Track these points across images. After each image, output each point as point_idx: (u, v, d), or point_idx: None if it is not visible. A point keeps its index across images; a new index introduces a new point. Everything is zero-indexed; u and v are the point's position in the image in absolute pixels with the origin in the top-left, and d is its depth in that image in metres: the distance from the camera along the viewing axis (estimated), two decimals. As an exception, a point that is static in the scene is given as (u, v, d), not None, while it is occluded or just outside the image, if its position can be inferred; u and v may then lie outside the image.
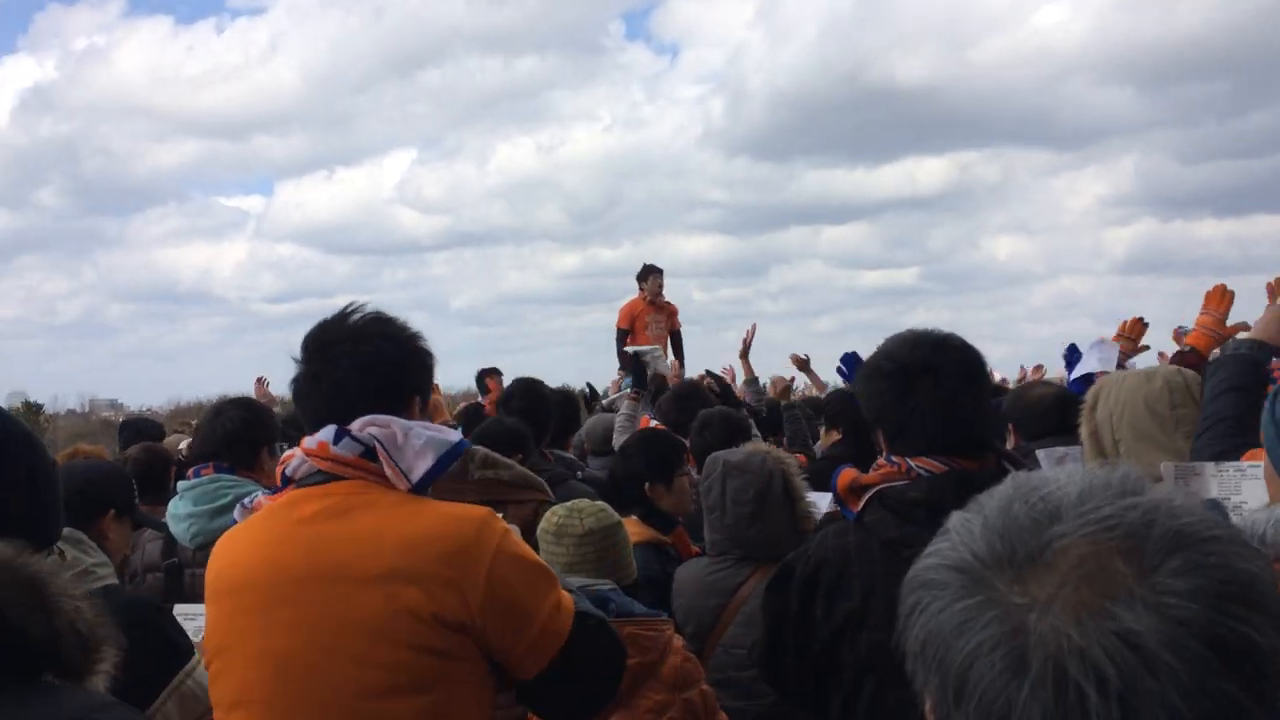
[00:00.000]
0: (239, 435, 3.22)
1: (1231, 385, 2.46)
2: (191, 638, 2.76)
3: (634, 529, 3.35)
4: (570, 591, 1.94)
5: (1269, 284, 3.93)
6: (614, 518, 2.71)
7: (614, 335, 9.35)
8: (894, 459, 2.09)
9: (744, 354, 7.35)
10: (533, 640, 1.83)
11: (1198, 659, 0.67)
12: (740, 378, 7.44)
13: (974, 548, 0.76)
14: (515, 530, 1.90)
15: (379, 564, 1.77)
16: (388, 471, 1.84)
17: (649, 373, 7.16)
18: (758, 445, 3.41)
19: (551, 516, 2.68)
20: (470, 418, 5.94)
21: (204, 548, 3.01)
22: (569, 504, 2.73)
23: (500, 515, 1.91)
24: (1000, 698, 0.70)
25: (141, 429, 6.78)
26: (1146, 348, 4.69)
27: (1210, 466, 2.23)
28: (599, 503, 2.82)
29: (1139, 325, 4.63)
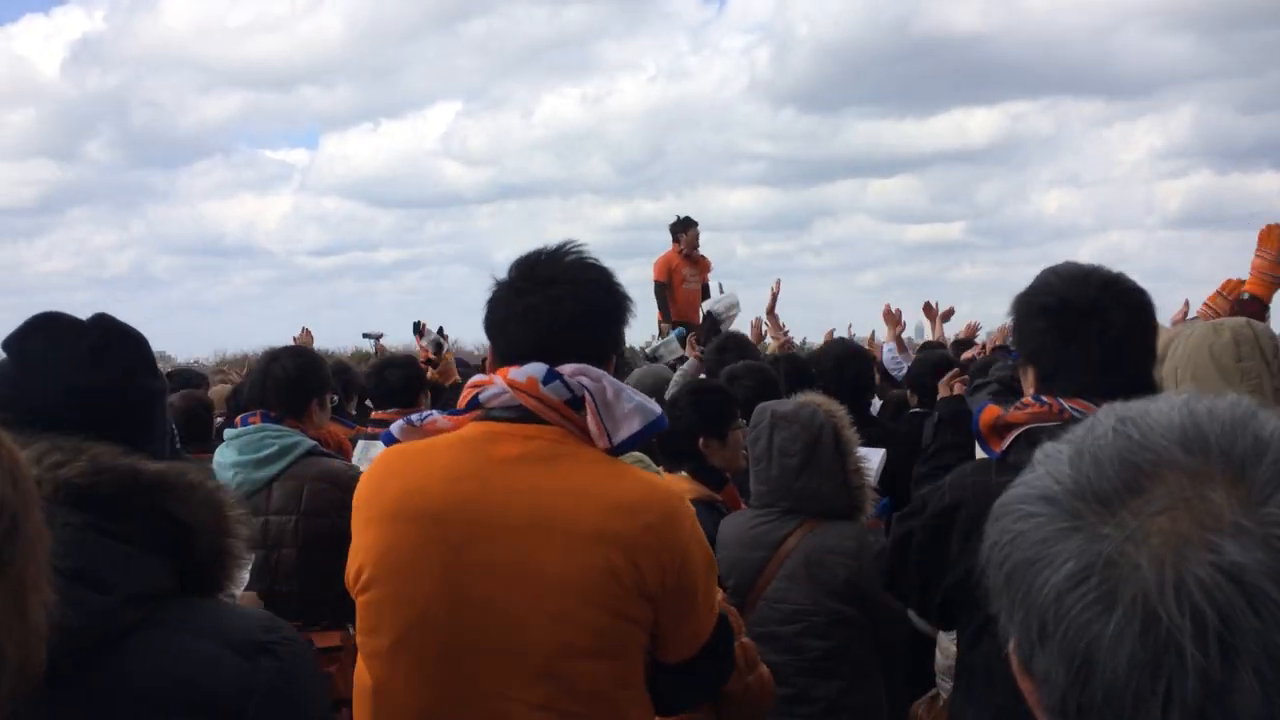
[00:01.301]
0: (293, 383, 3.21)
1: None
2: (235, 587, 2.78)
3: (684, 485, 3.30)
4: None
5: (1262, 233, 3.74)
6: (652, 467, 2.67)
7: (652, 289, 9.26)
8: (1044, 399, 1.97)
9: (771, 309, 7.28)
10: (691, 630, 1.82)
11: None
12: (767, 335, 7.36)
13: (1061, 477, 0.71)
14: None
15: (589, 522, 1.71)
16: (592, 427, 1.77)
17: (722, 328, 7.09)
18: (810, 396, 3.33)
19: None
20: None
21: (249, 496, 3.03)
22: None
23: None
24: (1087, 634, 0.65)
25: (187, 379, 6.84)
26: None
27: None
28: (636, 453, 2.77)
29: (1239, 286, 4.36)
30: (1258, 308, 3.66)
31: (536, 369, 1.77)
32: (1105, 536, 0.66)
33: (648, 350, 7.42)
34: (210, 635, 1.32)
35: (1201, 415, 0.70)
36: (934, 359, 5.49)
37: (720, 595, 2.61)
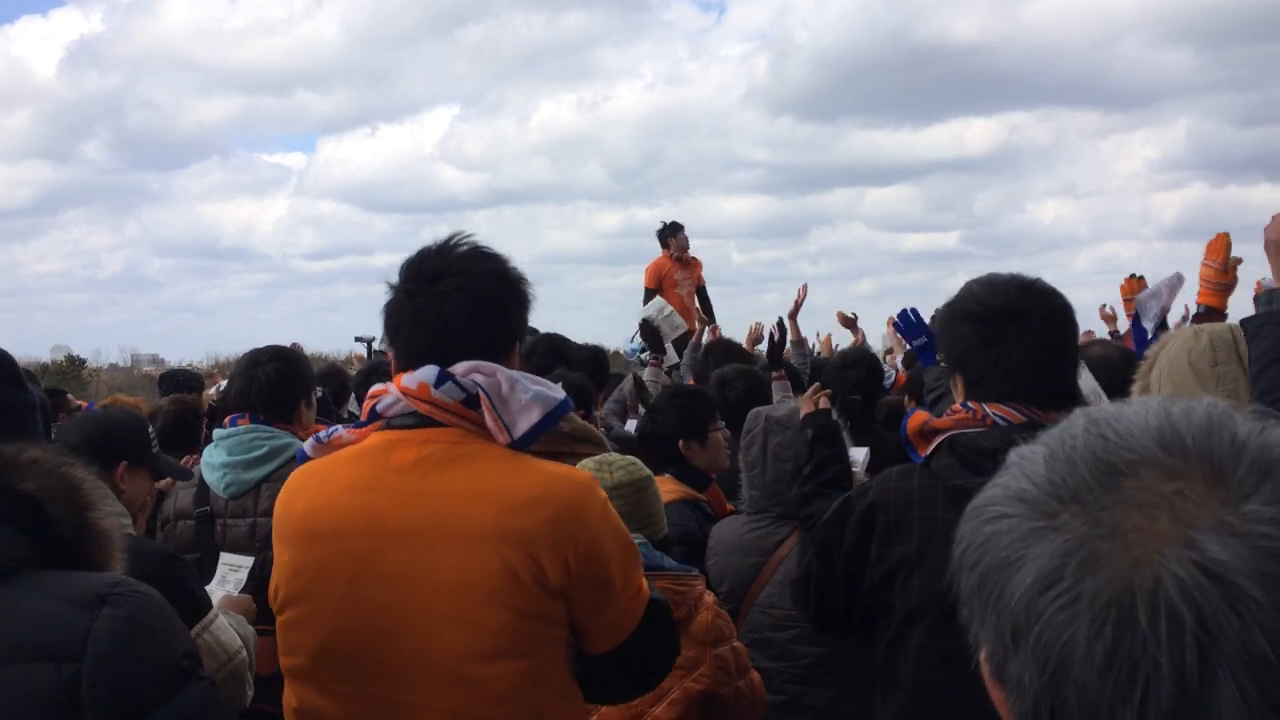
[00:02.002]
0: (276, 387, 3.17)
1: (1277, 356, 2.25)
2: (232, 590, 2.75)
3: (668, 487, 3.29)
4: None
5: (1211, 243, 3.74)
6: (644, 471, 2.65)
7: (642, 296, 9.27)
8: (970, 405, 2.00)
9: (793, 314, 7.21)
10: (612, 619, 1.79)
11: None
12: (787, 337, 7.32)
13: (1035, 477, 0.69)
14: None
15: (484, 523, 1.69)
16: (489, 423, 1.75)
17: (663, 333, 7.03)
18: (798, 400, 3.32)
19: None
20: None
21: (237, 498, 3.01)
22: (598, 457, 2.68)
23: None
24: (1061, 636, 0.62)
25: (181, 381, 6.83)
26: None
27: None
28: (629, 456, 2.76)
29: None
30: (1216, 319, 3.66)
31: (428, 373, 1.75)
32: (1080, 535, 0.64)
33: (637, 355, 7.35)
34: (53, 593, 1.45)
35: (1178, 417, 0.68)
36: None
37: (712, 598, 2.61)
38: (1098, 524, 0.64)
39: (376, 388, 1.85)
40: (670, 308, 7.50)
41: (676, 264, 9.23)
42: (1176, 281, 4.26)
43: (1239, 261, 3.71)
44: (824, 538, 2.20)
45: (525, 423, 1.76)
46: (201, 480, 3.08)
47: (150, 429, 2.85)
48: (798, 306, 7.15)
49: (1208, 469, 0.64)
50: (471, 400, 1.75)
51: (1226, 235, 3.68)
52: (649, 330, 6.92)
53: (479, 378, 1.75)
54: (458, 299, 1.79)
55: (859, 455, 3.31)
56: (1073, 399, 2.00)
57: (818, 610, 2.25)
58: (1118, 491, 0.65)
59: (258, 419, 3.12)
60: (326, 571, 1.77)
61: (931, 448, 2.04)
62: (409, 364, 1.81)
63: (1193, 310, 3.84)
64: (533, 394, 1.77)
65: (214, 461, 3.06)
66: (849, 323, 7.61)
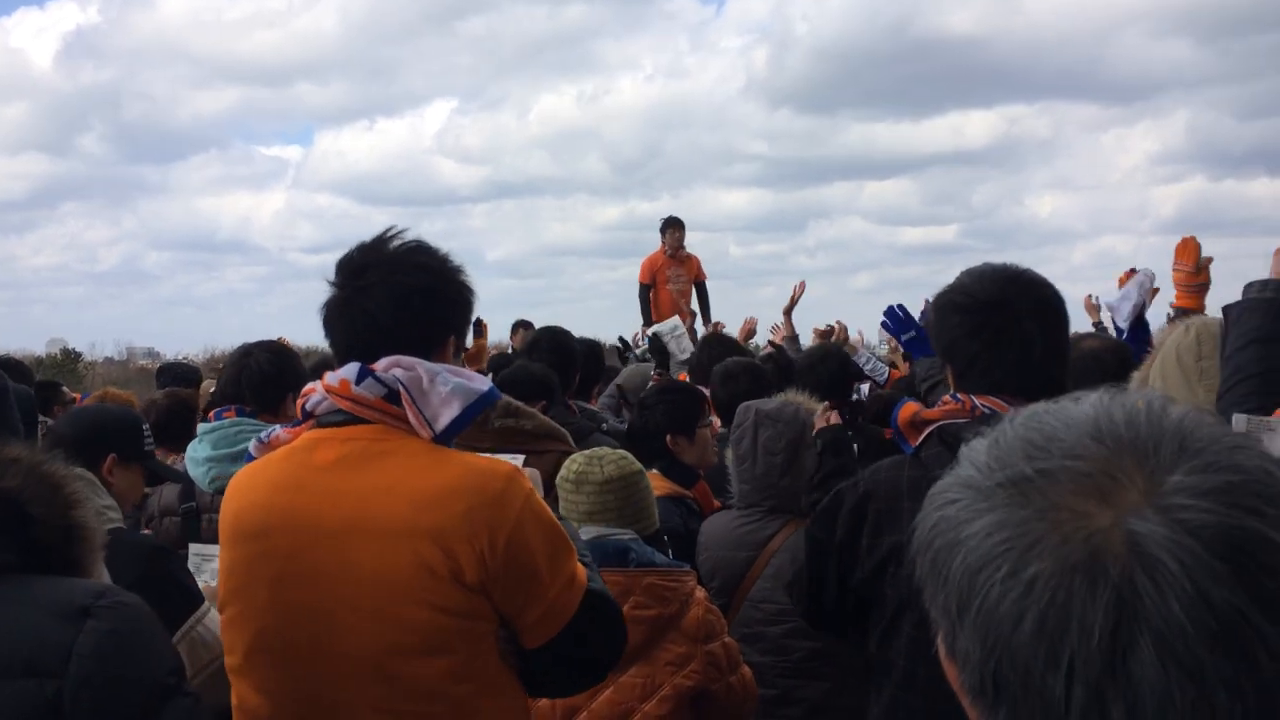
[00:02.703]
0: (267, 379, 3.16)
1: (1255, 337, 2.28)
2: (209, 579, 2.73)
3: (656, 482, 3.26)
4: (584, 563, 1.86)
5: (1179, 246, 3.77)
6: (635, 466, 2.63)
7: (637, 290, 9.28)
8: (959, 396, 2.01)
9: (789, 310, 7.20)
10: (543, 611, 1.76)
11: (1202, 564, 0.63)
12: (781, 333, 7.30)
13: (979, 464, 0.74)
14: (539, 489, 1.81)
15: (399, 518, 1.69)
16: (410, 418, 1.75)
17: (671, 352, 7.02)
18: (792, 395, 3.31)
19: (571, 464, 2.60)
20: (499, 368, 5.88)
21: (222, 493, 2.96)
22: (589, 451, 2.65)
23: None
24: (999, 609, 0.68)
25: (179, 374, 6.79)
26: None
27: None
28: (620, 450, 2.73)
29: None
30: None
31: (349, 370, 1.76)
32: (1015, 515, 0.69)
33: (637, 351, 7.33)
34: (35, 605, 1.42)
35: (1113, 408, 0.73)
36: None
37: (703, 594, 2.58)
38: (1032, 505, 0.69)
39: (308, 386, 1.86)
40: (682, 328, 7.49)
41: (670, 260, 9.23)
42: (1148, 280, 4.27)
43: (1209, 260, 3.73)
44: (817, 533, 2.19)
45: (447, 415, 1.75)
46: (187, 476, 3.05)
47: (145, 426, 2.83)
48: (794, 302, 7.14)
49: (1135, 452, 0.69)
50: (393, 395, 1.75)
51: (1193, 239, 3.73)
52: (658, 345, 6.91)
53: (399, 372, 1.75)
54: (380, 292, 1.79)
55: None
56: (1061, 390, 1.98)
57: (813, 607, 2.24)
58: (1050, 474, 0.70)
59: (244, 411, 3.10)
60: (253, 571, 1.79)
61: (921, 438, 2.04)
62: (339, 361, 1.82)
63: (1170, 314, 3.85)
64: (452, 386, 1.76)
65: (198, 456, 3.03)
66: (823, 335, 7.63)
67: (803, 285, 7.20)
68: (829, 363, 4.76)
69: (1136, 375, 2.76)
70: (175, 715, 1.48)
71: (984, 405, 1.96)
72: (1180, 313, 3.64)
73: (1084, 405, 0.75)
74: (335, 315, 1.85)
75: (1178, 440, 0.70)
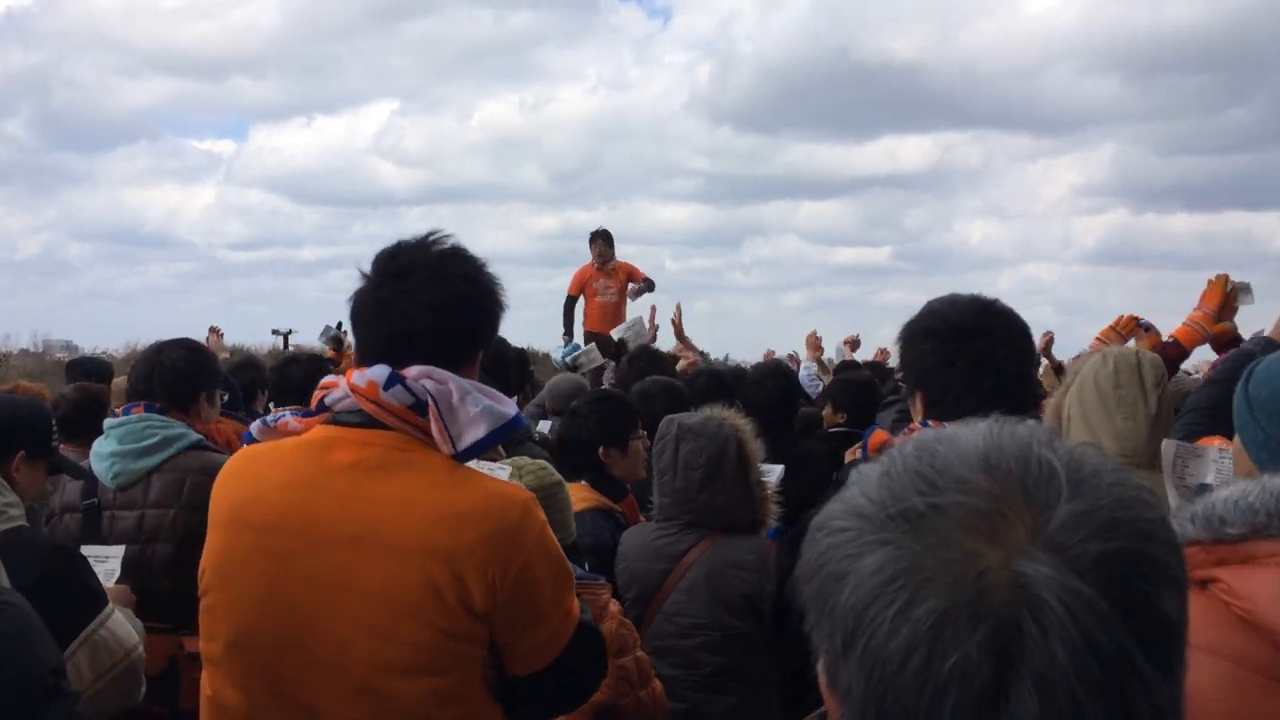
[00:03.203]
0: (181, 376, 3.09)
1: (1216, 378, 2.40)
2: (103, 580, 2.65)
3: (584, 494, 3.25)
4: (577, 596, 1.85)
5: (1211, 280, 3.87)
6: (555, 476, 2.61)
7: (564, 300, 9.37)
8: (929, 424, 2.01)
9: (679, 333, 7.28)
10: (538, 643, 1.74)
11: (1087, 607, 0.64)
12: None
13: (870, 493, 0.74)
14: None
15: (414, 534, 1.63)
16: (434, 432, 1.69)
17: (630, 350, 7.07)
18: (717, 409, 3.31)
19: (489, 472, 2.57)
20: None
21: (125, 489, 2.90)
22: (508, 460, 2.62)
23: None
24: (886, 646, 0.67)
25: (90, 369, 6.59)
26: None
27: (1212, 451, 2.16)
28: (539, 460, 2.71)
29: (1133, 323, 4.40)
30: (1176, 353, 3.74)
31: (379, 372, 1.70)
32: (906, 550, 0.69)
33: (568, 359, 7.35)
34: None
35: (1003, 440, 0.74)
36: (859, 379, 5.54)
37: (617, 607, 2.57)
38: (921, 540, 0.69)
39: (328, 379, 1.80)
40: (638, 326, 7.54)
41: (599, 272, 9.29)
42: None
43: (1230, 329, 3.74)
44: (787, 558, 2.19)
45: (471, 436, 1.71)
46: (90, 472, 2.96)
47: (52, 421, 2.75)
48: (678, 327, 7.19)
49: (1022, 489, 0.70)
50: (419, 406, 1.70)
51: (1224, 282, 3.72)
52: (619, 347, 6.92)
53: (430, 384, 1.70)
54: (423, 297, 1.74)
55: (774, 472, 3.31)
56: (1030, 418, 2.02)
57: (778, 630, 2.24)
58: (941, 510, 0.70)
59: (154, 407, 3.02)
60: (250, 563, 1.71)
61: None
62: (365, 358, 1.76)
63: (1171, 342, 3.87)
64: (483, 407, 1.72)
65: (103, 451, 2.94)
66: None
67: (678, 309, 7.20)
68: (777, 379, 4.78)
69: (1050, 402, 2.83)
70: (57, 715, 1.43)
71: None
72: (1174, 343, 3.70)
73: (975, 436, 0.75)
74: (370, 313, 1.77)
75: (1064, 476, 0.70)
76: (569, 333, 9.15)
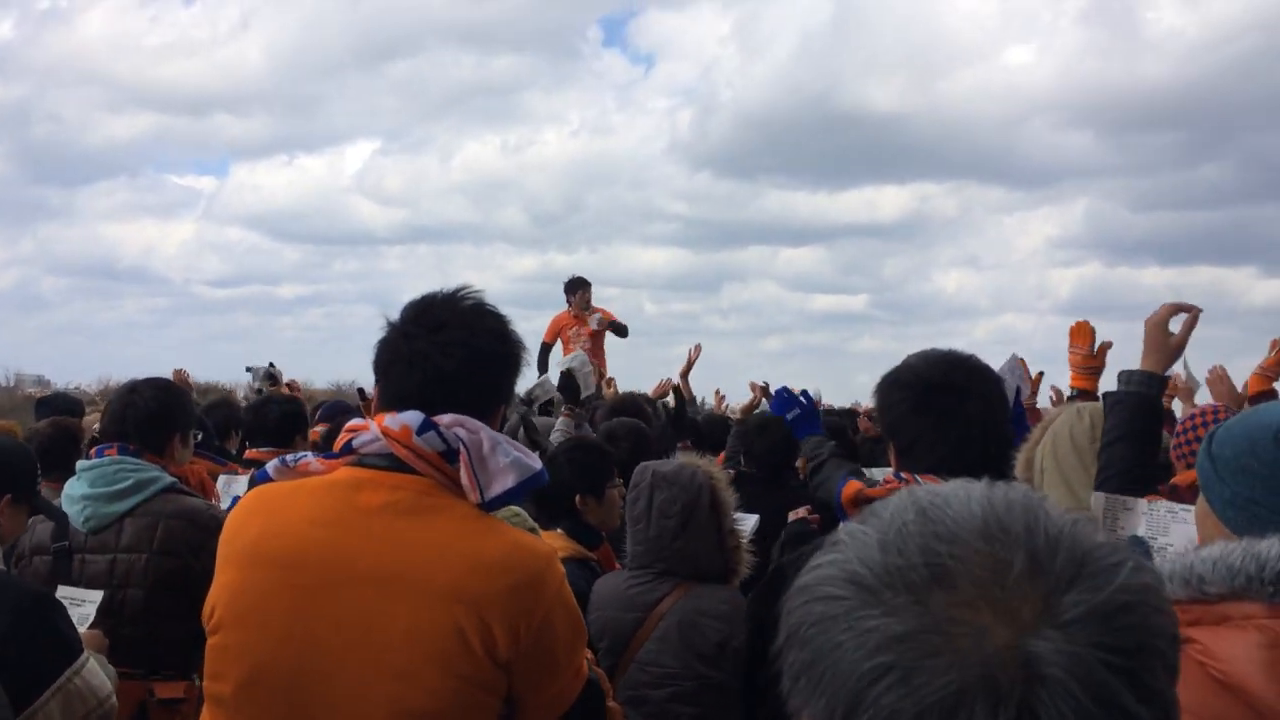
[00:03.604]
0: (153, 417, 3.07)
1: (1121, 434, 2.41)
2: (77, 624, 2.63)
3: (559, 543, 3.25)
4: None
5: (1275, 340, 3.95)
6: (528, 523, 2.61)
7: (539, 346, 9.34)
8: (902, 475, 2.06)
9: (685, 373, 7.30)
10: (551, 697, 1.75)
11: (1101, 684, 0.64)
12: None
13: (869, 561, 0.72)
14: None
15: (443, 580, 1.64)
16: (464, 480, 1.71)
17: (580, 385, 7.09)
18: (690, 458, 3.33)
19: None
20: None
21: (96, 532, 2.88)
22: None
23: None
24: None
25: (59, 405, 6.52)
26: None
27: (1142, 504, 2.20)
28: (514, 508, 2.71)
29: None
30: (1090, 400, 3.80)
31: (412, 418, 1.72)
32: (910, 627, 0.67)
33: (522, 395, 7.38)
34: None
35: (1000, 508, 0.73)
36: (833, 424, 5.60)
37: (590, 656, 2.57)
38: (927, 616, 0.67)
39: (355, 422, 1.81)
40: (590, 365, 7.55)
41: (576, 320, 9.33)
42: (1014, 364, 4.42)
43: (1108, 345, 3.89)
44: (757, 610, 2.20)
45: (500, 486, 1.73)
46: (61, 513, 2.94)
47: (37, 464, 2.73)
48: (689, 366, 7.25)
49: (1027, 562, 0.69)
50: (450, 454, 1.72)
51: (1087, 322, 3.88)
52: (569, 381, 6.95)
53: (462, 432, 1.72)
54: (458, 351, 1.78)
55: (748, 522, 3.32)
56: (1000, 474, 2.06)
57: (748, 684, 2.24)
58: (945, 583, 0.68)
59: (127, 449, 3.01)
60: (271, 600, 1.68)
61: None
62: (393, 405, 1.77)
63: (1066, 394, 3.99)
64: (512, 459, 1.74)
65: (74, 494, 2.92)
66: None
67: (698, 349, 7.34)
68: (777, 428, 4.80)
69: (1020, 456, 2.85)
70: None
71: (927, 484, 2.00)
72: (1080, 394, 3.79)
73: (973, 503, 0.74)
74: (401, 360, 1.80)
75: (1070, 553, 0.70)
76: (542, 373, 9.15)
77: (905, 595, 0.69)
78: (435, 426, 1.71)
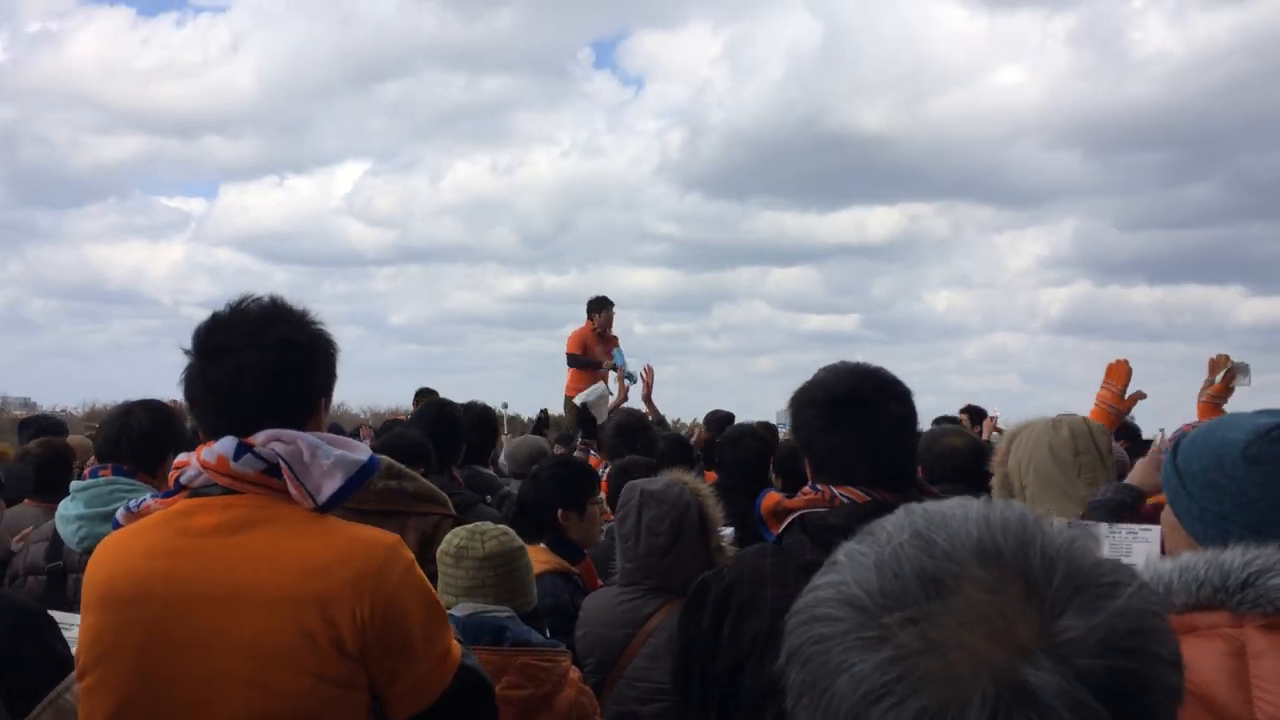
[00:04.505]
0: (147, 438, 3.11)
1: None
2: (72, 646, 2.65)
3: (542, 557, 3.29)
4: (459, 641, 1.88)
5: (1211, 359, 3.92)
6: (516, 542, 2.65)
7: (564, 359, 9.47)
8: (819, 486, 2.09)
9: (647, 396, 7.47)
10: (414, 682, 1.77)
11: (1094, 714, 0.64)
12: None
13: (866, 583, 0.72)
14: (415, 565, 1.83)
15: (280, 586, 1.69)
16: (292, 491, 1.75)
17: (596, 416, 7.25)
18: (677, 474, 3.36)
19: (453, 538, 2.62)
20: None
21: (90, 553, 2.89)
22: (471, 526, 2.67)
23: (403, 535, 1.84)
24: None
25: (44, 427, 6.52)
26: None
27: (1104, 527, 2.24)
28: (502, 525, 2.76)
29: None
30: None
31: (226, 446, 1.75)
32: (907, 649, 0.68)
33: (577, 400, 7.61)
34: None
35: (996, 528, 0.73)
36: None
37: (577, 674, 2.60)
38: (923, 639, 0.68)
39: (180, 458, 1.84)
40: (607, 396, 7.76)
41: (599, 339, 9.44)
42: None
43: (1140, 396, 3.81)
44: (684, 623, 2.22)
45: (330, 487, 1.76)
46: (55, 534, 2.97)
47: None
48: (649, 388, 7.45)
49: (1023, 583, 0.69)
50: (273, 469, 1.75)
51: (1127, 363, 3.79)
52: (585, 416, 7.13)
53: (279, 447, 1.75)
54: (249, 374, 1.79)
55: (726, 533, 3.36)
56: (910, 479, 2.11)
57: (680, 698, 2.25)
58: (942, 606, 0.69)
59: (121, 469, 3.05)
60: (121, 638, 1.74)
61: (783, 527, 2.11)
62: (209, 434, 1.81)
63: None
64: (335, 459, 1.77)
65: (69, 514, 2.95)
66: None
67: (650, 370, 7.59)
68: (755, 439, 4.89)
69: (994, 478, 2.86)
70: None
71: (843, 495, 2.05)
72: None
73: (969, 523, 0.74)
74: (201, 393, 1.82)
75: (1066, 573, 0.70)
76: (598, 364, 9.25)
77: (901, 618, 0.69)
78: (250, 448, 1.75)
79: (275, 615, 1.68)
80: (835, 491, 2.05)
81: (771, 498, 2.16)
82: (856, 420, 2.06)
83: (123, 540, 1.83)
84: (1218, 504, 1.49)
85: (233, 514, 1.75)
